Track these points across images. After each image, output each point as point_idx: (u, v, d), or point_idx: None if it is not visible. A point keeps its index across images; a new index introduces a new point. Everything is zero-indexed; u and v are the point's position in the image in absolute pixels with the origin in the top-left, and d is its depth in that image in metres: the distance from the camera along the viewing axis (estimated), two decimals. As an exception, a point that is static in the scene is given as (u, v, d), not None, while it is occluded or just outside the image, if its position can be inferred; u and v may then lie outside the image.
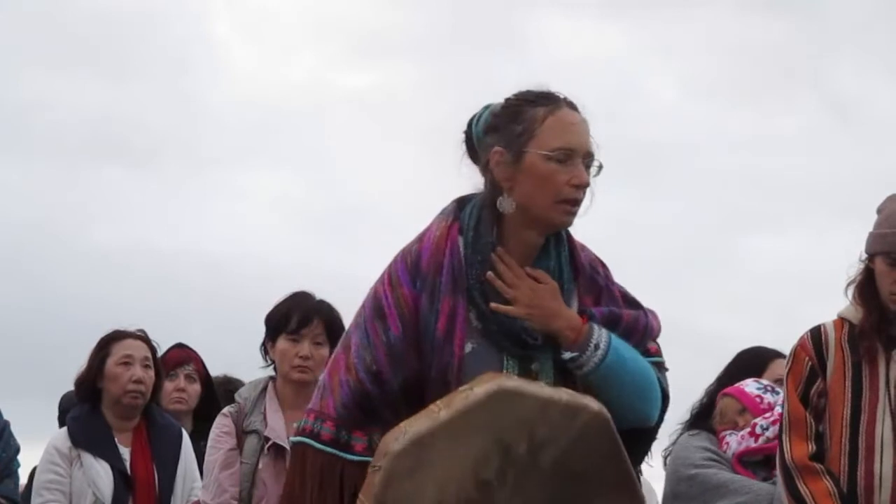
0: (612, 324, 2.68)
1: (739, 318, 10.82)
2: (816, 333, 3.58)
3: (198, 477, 4.59)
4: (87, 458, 4.55)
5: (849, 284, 3.57)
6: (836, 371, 3.51)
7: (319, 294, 4.20)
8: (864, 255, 3.55)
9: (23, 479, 4.93)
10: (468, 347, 2.60)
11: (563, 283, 2.69)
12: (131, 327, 4.80)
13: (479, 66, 12.25)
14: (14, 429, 4.72)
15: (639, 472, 2.74)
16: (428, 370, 2.58)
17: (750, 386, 4.47)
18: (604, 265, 2.78)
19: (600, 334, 2.63)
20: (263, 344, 4.26)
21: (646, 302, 2.80)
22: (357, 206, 12.33)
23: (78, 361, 4.80)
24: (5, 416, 4.71)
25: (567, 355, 2.62)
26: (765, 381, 4.54)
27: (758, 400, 4.39)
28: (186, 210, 12.41)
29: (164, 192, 12.51)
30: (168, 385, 5.13)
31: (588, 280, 2.73)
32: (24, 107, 11.36)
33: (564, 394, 2.52)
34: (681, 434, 4.60)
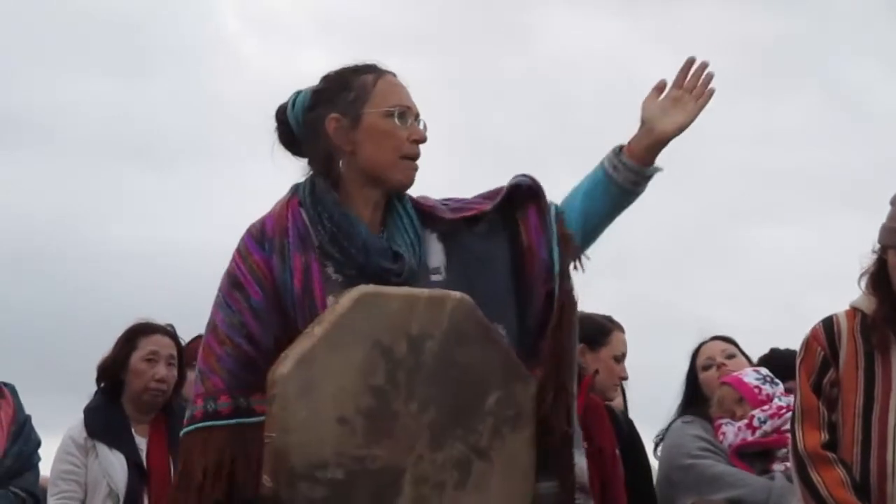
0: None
1: (743, 309, 10.84)
2: (829, 324, 3.57)
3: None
4: (103, 448, 4.57)
5: (862, 275, 3.57)
6: (849, 361, 3.50)
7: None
8: (877, 246, 3.54)
9: (45, 473, 4.94)
10: (330, 301, 2.61)
11: (416, 235, 2.76)
12: (161, 320, 4.84)
13: (485, 62, 12.28)
14: (35, 423, 4.76)
15: None
16: (295, 325, 2.59)
17: (749, 376, 4.48)
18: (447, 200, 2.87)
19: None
20: None
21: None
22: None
23: (99, 356, 4.82)
24: (27, 411, 4.75)
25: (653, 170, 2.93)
26: (764, 371, 4.56)
27: (756, 390, 4.40)
28: (204, 205, 12.41)
29: (182, 188, 12.52)
30: (191, 375, 5.13)
31: (447, 212, 2.81)
32: (43, 108, 11.42)
33: (424, 290, 2.60)
34: (674, 420, 4.62)
